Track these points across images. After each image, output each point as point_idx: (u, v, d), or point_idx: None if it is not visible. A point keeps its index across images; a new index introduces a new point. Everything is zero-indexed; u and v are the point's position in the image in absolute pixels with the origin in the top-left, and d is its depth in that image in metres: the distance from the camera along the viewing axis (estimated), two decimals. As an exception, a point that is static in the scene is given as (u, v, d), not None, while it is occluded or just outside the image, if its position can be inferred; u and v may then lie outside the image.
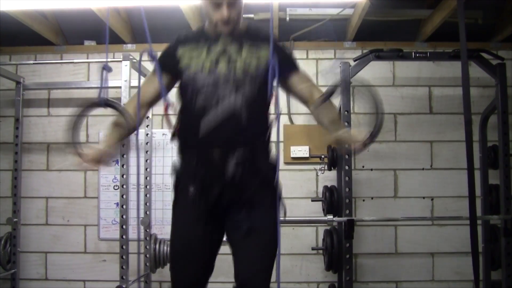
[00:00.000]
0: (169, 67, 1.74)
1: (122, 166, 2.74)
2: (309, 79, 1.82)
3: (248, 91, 1.66)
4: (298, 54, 3.36)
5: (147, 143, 3.22)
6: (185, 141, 1.74)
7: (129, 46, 3.38)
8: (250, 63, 1.69)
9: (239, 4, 1.70)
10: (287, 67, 1.74)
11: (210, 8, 1.69)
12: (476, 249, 1.43)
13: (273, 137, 1.71)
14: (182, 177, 1.73)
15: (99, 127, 3.35)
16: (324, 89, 1.73)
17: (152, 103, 1.80)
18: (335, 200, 2.93)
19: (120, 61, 2.78)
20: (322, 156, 3.12)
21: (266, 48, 1.70)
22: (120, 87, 2.80)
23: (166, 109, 1.74)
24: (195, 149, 1.68)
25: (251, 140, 1.66)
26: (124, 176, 2.75)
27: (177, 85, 1.77)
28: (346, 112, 2.65)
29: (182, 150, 1.75)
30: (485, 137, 3.09)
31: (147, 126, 3.23)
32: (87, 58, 3.40)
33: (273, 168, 1.70)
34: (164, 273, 3.11)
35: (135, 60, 2.83)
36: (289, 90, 1.79)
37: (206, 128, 1.64)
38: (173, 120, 1.79)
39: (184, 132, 1.73)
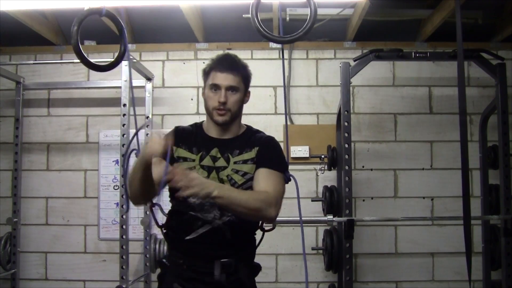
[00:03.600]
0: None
1: (122, 166, 2.74)
2: (269, 180, 1.68)
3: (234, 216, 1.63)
4: (298, 54, 3.37)
5: (147, 143, 3.20)
6: (171, 241, 1.76)
7: (129, 46, 3.37)
8: (237, 172, 1.68)
9: (239, 96, 1.69)
10: (261, 160, 1.69)
11: (208, 91, 1.69)
12: (470, 249, 1.41)
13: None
14: (168, 274, 1.72)
15: (99, 127, 3.36)
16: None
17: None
18: (335, 200, 2.93)
19: (120, 61, 2.78)
20: (322, 156, 3.12)
21: (252, 150, 1.70)
22: (120, 87, 2.81)
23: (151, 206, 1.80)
24: (181, 254, 1.69)
25: (234, 253, 1.66)
26: (124, 176, 2.75)
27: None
28: (346, 112, 2.65)
29: (170, 249, 1.79)
30: (485, 137, 3.09)
31: (147, 126, 3.23)
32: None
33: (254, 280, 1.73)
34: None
35: (135, 60, 2.83)
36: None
37: (191, 243, 1.65)
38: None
39: (171, 236, 1.75)
